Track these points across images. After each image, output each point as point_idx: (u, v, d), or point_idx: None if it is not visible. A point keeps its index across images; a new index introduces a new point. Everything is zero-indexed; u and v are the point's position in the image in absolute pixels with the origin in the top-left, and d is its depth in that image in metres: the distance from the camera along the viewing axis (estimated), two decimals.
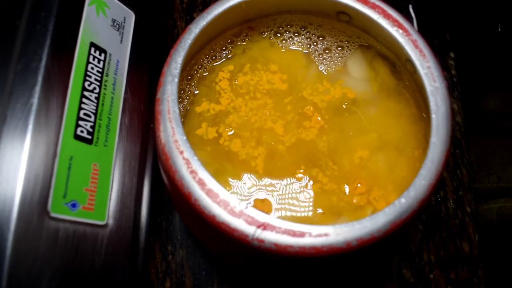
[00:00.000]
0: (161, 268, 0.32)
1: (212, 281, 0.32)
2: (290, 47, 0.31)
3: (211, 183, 0.22)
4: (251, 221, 0.21)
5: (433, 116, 0.24)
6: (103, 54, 0.27)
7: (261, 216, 0.21)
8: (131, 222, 0.28)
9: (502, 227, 0.31)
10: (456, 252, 0.33)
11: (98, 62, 0.27)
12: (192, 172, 0.22)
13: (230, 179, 0.26)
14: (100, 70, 0.27)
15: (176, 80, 0.24)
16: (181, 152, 0.22)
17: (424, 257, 0.32)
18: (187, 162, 0.22)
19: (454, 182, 0.34)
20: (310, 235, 0.21)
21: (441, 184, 0.34)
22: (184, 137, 0.23)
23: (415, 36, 0.25)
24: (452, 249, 0.33)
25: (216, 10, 0.26)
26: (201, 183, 0.22)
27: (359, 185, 0.26)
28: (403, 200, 0.22)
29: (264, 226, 0.21)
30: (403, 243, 0.32)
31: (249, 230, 0.21)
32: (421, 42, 0.25)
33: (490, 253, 0.33)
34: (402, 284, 0.32)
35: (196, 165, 0.22)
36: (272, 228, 0.21)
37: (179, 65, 0.24)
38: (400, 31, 0.26)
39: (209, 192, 0.22)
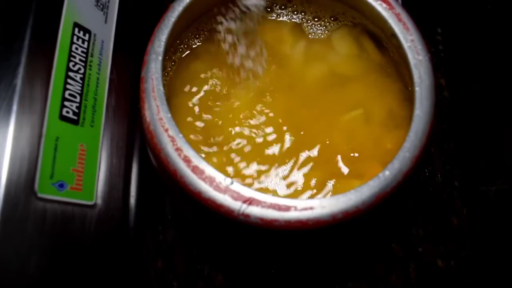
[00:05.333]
0: (152, 248, 0.32)
1: (204, 260, 0.32)
2: (278, 20, 0.30)
3: (197, 160, 0.22)
4: (237, 197, 0.21)
5: (417, 89, 0.24)
6: (87, 34, 0.27)
7: (246, 191, 0.21)
8: (120, 202, 0.28)
9: (501, 209, 0.31)
10: (444, 226, 0.33)
11: (83, 43, 0.27)
12: (178, 149, 0.22)
13: (215, 159, 0.26)
14: (85, 50, 0.27)
15: (160, 58, 0.24)
16: (166, 130, 0.22)
17: (413, 232, 0.33)
18: (172, 140, 0.22)
19: (441, 157, 0.34)
20: (296, 209, 0.21)
21: (429, 159, 0.34)
22: (169, 115, 0.23)
23: (399, 10, 0.25)
24: (440, 223, 0.33)
25: None
26: (187, 160, 0.22)
27: (341, 157, 0.26)
28: (387, 173, 0.22)
29: (249, 201, 0.21)
30: (391, 217, 0.32)
31: (235, 205, 0.21)
32: (404, 16, 0.25)
33: (479, 225, 0.33)
34: (391, 258, 0.32)
35: (181, 142, 0.22)
36: (257, 203, 0.21)
37: (162, 43, 0.24)
38: (384, 4, 0.26)
39: (195, 169, 0.22)
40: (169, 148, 0.22)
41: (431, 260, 0.32)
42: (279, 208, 0.21)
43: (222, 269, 0.32)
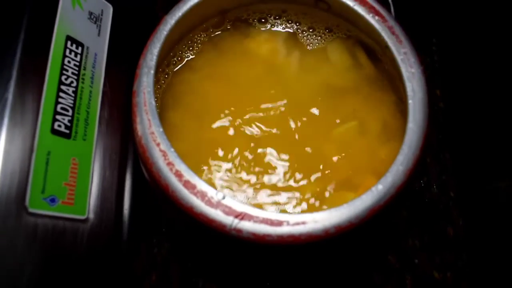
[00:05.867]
0: (146, 261, 0.32)
1: (199, 272, 0.32)
2: (272, 30, 0.30)
3: (188, 174, 0.22)
4: (229, 211, 0.21)
5: (410, 101, 0.24)
6: (80, 48, 0.27)
7: (238, 206, 0.21)
8: (112, 215, 0.28)
9: (497, 220, 0.31)
10: (440, 237, 0.33)
11: (75, 56, 0.27)
12: (169, 164, 0.22)
13: (205, 167, 0.26)
14: (77, 63, 0.27)
15: (152, 72, 0.24)
16: (158, 144, 0.22)
17: (409, 242, 0.33)
18: (164, 154, 0.22)
19: (437, 167, 0.34)
20: (288, 223, 0.21)
21: (425, 169, 0.34)
22: (161, 129, 0.23)
23: (392, 22, 0.25)
24: (436, 234, 0.33)
25: (192, 0, 0.26)
26: (178, 174, 0.22)
27: (335, 169, 0.26)
28: (380, 187, 0.22)
29: (241, 216, 0.21)
30: (387, 229, 0.32)
31: (227, 220, 0.21)
32: (397, 28, 0.25)
33: (475, 236, 0.33)
34: (387, 269, 0.32)
35: (172, 156, 0.22)
36: (249, 217, 0.21)
37: (155, 57, 0.24)
38: (377, 17, 0.26)
39: (186, 184, 0.22)
40: (161, 163, 0.22)
41: (427, 272, 0.32)
42: (271, 223, 0.21)
43: (217, 282, 0.31)
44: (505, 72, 0.32)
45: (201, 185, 0.22)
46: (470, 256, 0.32)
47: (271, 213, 0.21)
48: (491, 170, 0.32)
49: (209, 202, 0.21)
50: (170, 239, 0.32)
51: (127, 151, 0.30)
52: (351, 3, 0.26)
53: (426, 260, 0.32)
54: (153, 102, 0.23)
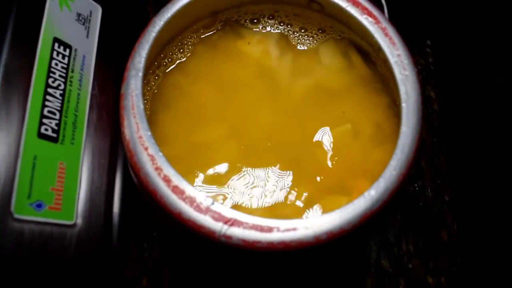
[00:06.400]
0: (137, 265, 0.32)
1: (190, 277, 0.31)
2: (264, 32, 0.30)
3: (177, 179, 0.21)
4: (218, 217, 0.21)
5: (403, 105, 0.23)
6: (67, 50, 0.27)
7: (228, 212, 0.21)
8: (102, 220, 0.27)
9: (492, 223, 0.30)
10: (435, 241, 0.32)
11: (63, 58, 0.26)
12: (157, 168, 0.22)
13: (195, 172, 0.26)
14: (65, 66, 0.26)
15: (141, 74, 0.23)
16: (146, 149, 0.22)
17: (402, 247, 0.32)
18: (152, 159, 0.22)
19: (432, 171, 0.34)
20: (278, 230, 0.21)
21: (419, 173, 0.34)
22: (149, 133, 0.22)
23: (385, 24, 0.25)
24: (431, 239, 0.32)
25: (181, 1, 0.25)
26: (166, 180, 0.21)
27: (328, 173, 0.26)
28: (373, 192, 0.21)
29: (231, 222, 0.21)
30: (380, 233, 0.32)
31: (216, 226, 0.21)
32: (391, 30, 0.25)
33: (470, 241, 0.32)
34: (381, 274, 0.31)
35: (161, 161, 0.22)
36: (239, 224, 0.21)
37: (143, 59, 0.24)
38: (370, 19, 0.25)
39: (175, 189, 0.21)
40: (149, 167, 0.22)
41: (421, 277, 0.32)
42: (261, 229, 0.21)
43: (209, 287, 0.31)
44: (501, 73, 0.32)
45: (190, 191, 0.21)
46: (464, 261, 0.32)
47: (261, 219, 0.21)
48: (486, 174, 0.32)
49: (198, 208, 0.21)
50: (161, 243, 0.32)
51: (116, 154, 0.29)
52: (344, 4, 0.25)
53: (420, 264, 0.32)
54: (141, 105, 0.23)
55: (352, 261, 0.32)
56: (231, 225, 0.21)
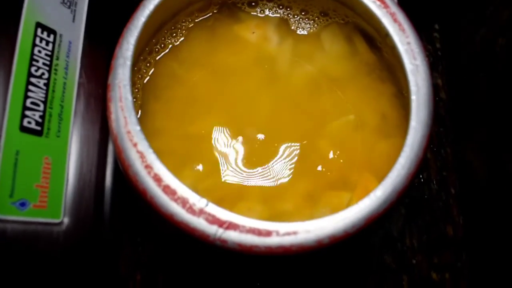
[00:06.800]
0: (130, 261, 0.31)
1: (184, 273, 0.30)
2: (262, 16, 0.28)
3: (168, 178, 0.20)
4: (212, 220, 0.19)
5: (413, 97, 0.22)
6: (52, 35, 0.25)
7: (223, 214, 0.19)
8: (91, 215, 0.26)
9: (498, 218, 0.29)
10: (439, 236, 0.31)
11: (47, 44, 0.25)
12: (147, 166, 0.20)
13: (189, 166, 0.24)
14: (49, 53, 0.25)
15: (129, 63, 0.22)
16: (135, 145, 0.20)
17: (406, 242, 0.31)
18: (141, 156, 0.20)
19: (437, 162, 0.33)
20: (278, 233, 0.19)
21: (424, 164, 0.33)
22: (138, 128, 0.21)
23: (394, 9, 0.23)
24: (435, 233, 0.31)
25: None
26: (157, 178, 0.20)
27: (330, 167, 0.25)
28: (379, 193, 0.20)
29: (226, 225, 0.19)
30: (383, 228, 0.30)
31: (210, 229, 0.19)
32: (400, 15, 0.23)
33: (475, 236, 0.31)
34: (383, 270, 0.30)
35: (151, 159, 0.20)
36: (235, 227, 0.19)
37: (131, 46, 0.22)
38: (378, 2, 0.23)
39: (166, 189, 0.20)
40: (138, 165, 0.20)
41: (425, 272, 0.31)
42: (259, 233, 0.19)
43: (205, 283, 0.30)
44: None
45: (182, 191, 0.20)
46: (470, 257, 0.31)
47: (258, 222, 0.19)
48: (495, 166, 0.30)
49: (190, 210, 0.19)
50: (155, 239, 0.31)
51: (106, 145, 0.28)
52: None
53: (423, 260, 0.31)
54: (130, 97, 0.21)
55: (354, 257, 0.31)
56: (227, 228, 0.19)
